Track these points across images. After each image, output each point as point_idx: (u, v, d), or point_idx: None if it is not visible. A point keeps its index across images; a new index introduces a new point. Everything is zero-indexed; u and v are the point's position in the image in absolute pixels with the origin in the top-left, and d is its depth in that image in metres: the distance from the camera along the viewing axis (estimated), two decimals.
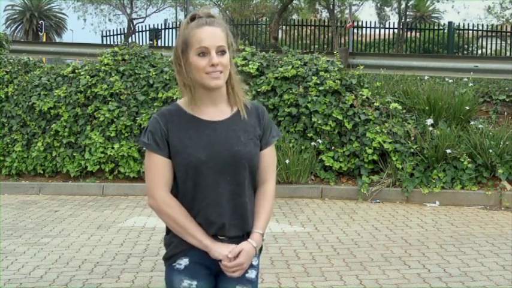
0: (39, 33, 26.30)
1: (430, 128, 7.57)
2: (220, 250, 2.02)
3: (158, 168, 2.04)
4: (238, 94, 2.10)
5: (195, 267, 2.06)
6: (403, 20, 21.37)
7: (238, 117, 2.10)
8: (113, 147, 8.33)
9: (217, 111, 2.09)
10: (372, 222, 6.34)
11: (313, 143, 7.83)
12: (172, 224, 2.05)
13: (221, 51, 2.00)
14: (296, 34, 20.29)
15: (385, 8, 24.38)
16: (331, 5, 19.60)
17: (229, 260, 2.01)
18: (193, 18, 2.03)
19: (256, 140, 2.11)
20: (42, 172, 8.79)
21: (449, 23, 17.85)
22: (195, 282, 2.05)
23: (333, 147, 7.83)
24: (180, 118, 2.07)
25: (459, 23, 19.27)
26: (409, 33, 20.57)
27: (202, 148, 2.02)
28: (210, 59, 1.98)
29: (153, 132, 2.05)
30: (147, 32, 20.74)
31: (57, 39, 38.30)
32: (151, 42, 19.26)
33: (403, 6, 22.21)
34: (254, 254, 2.07)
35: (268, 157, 2.16)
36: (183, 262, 2.06)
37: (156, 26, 20.71)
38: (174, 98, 8.20)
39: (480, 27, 19.18)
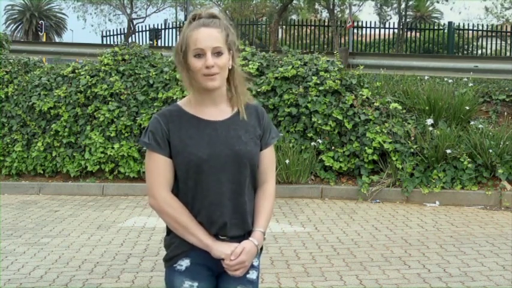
0: (39, 33, 26.30)
1: (430, 128, 7.57)
2: (222, 249, 2.02)
3: (159, 167, 2.04)
4: (241, 94, 2.11)
5: (196, 268, 2.06)
6: (403, 20, 21.37)
7: (238, 117, 2.11)
8: (113, 147, 8.33)
9: (217, 111, 2.09)
10: (372, 222, 6.34)
11: (313, 143, 7.83)
12: (173, 224, 2.05)
13: (217, 53, 2.00)
14: (296, 34, 20.28)
15: (386, 8, 24.39)
16: (331, 5, 19.60)
17: (233, 259, 2.01)
18: (194, 18, 2.04)
19: (256, 139, 2.12)
20: (42, 172, 8.79)
21: (449, 23, 17.85)
22: (196, 284, 2.04)
23: (333, 147, 7.83)
24: (181, 118, 2.07)
25: (459, 23, 19.27)
26: (409, 33, 20.57)
27: (204, 147, 2.03)
28: (205, 61, 1.99)
29: (153, 132, 2.05)
30: (147, 32, 20.74)
31: (57, 39, 38.29)
32: (151, 42, 19.25)
33: (403, 6, 22.21)
34: (256, 252, 2.07)
35: (268, 158, 2.16)
36: (184, 263, 2.06)
37: (156, 26, 20.72)
38: (174, 98, 8.20)
39: (480, 27, 19.18)
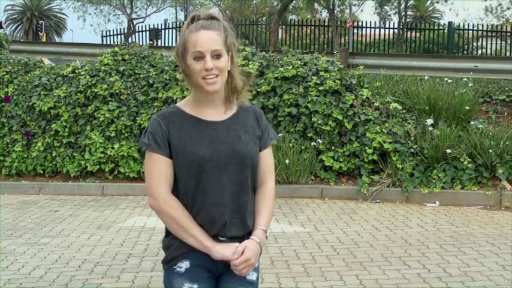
0: (39, 33, 26.30)
1: (430, 128, 7.57)
2: (222, 251, 2.01)
3: (159, 168, 2.04)
4: (241, 95, 2.11)
5: (196, 270, 2.05)
6: (403, 20, 21.37)
7: (238, 118, 2.12)
8: (113, 147, 8.33)
9: (217, 112, 2.10)
10: (372, 222, 6.34)
11: (313, 143, 7.83)
12: (173, 225, 2.04)
13: (216, 55, 2.00)
14: (296, 34, 20.29)
15: (386, 8, 24.38)
16: (331, 5, 19.60)
17: (235, 258, 2.00)
18: (193, 20, 2.04)
19: (256, 140, 2.13)
20: (42, 172, 8.79)
21: (449, 23, 17.85)
22: (195, 285, 2.04)
23: (333, 147, 7.83)
24: (181, 119, 2.07)
25: (459, 23, 19.28)
26: (409, 33, 20.57)
27: (205, 147, 2.03)
28: (205, 64, 1.99)
29: (153, 133, 2.05)
30: (147, 32, 20.75)
31: (57, 39, 38.30)
32: (151, 42, 19.26)
33: (402, 6, 22.20)
34: (259, 250, 2.06)
35: (267, 159, 2.17)
36: (184, 265, 2.05)
37: (156, 26, 20.73)
38: (174, 98, 8.20)
39: (480, 27, 19.19)
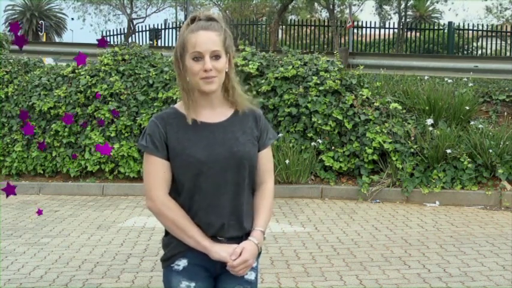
0: (39, 33, 26.30)
1: (430, 128, 7.57)
2: (220, 251, 2.02)
3: (157, 170, 2.04)
4: (240, 96, 2.11)
5: (193, 269, 2.06)
6: (403, 20, 21.36)
7: (235, 119, 2.12)
8: (112, 147, 8.33)
9: (215, 114, 2.10)
10: (372, 222, 6.34)
11: (313, 143, 7.83)
12: (171, 226, 2.05)
13: (215, 56, 2.01)
14: (296, 34, 20.29)
15: (386, 7, 24.37)
16: (331, 5, 19.60)
17: (233, 259, 2.01)
18: (193, 20, 2.04)
19: (254, 141, 2.13)
20: (42, 172, 8.79)
21: (449, 23, 17.85)
22: (193, 284, 2.05)
23: (333, 147, 7.83)
24: (178, 121, 2.07)
25: (459, 23, 19.27)
26: (409, 33, 20.57)
27: (202, 149, 2.03)
28: (204, 64, 1.99)
29: (151, 135, 2.05)
30: (147, 32, 20.75)
31: (57, 39, 38.29)
32: (151, 42, 19.26)
33: (402, 6, 22.19)
34: (257, 251, 2.07)
35: (266, 158, 2.17)
36: (182, 263, 2.06)
37: (156, 26, 20.73)
38: (174, 98, 8.20)
39: (480, 27, 19.18)
